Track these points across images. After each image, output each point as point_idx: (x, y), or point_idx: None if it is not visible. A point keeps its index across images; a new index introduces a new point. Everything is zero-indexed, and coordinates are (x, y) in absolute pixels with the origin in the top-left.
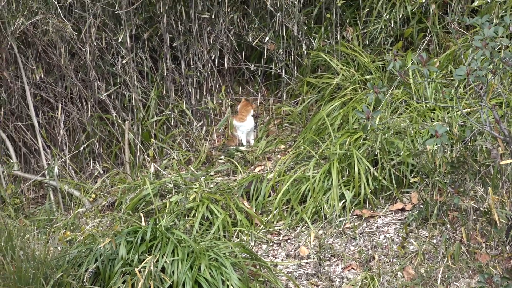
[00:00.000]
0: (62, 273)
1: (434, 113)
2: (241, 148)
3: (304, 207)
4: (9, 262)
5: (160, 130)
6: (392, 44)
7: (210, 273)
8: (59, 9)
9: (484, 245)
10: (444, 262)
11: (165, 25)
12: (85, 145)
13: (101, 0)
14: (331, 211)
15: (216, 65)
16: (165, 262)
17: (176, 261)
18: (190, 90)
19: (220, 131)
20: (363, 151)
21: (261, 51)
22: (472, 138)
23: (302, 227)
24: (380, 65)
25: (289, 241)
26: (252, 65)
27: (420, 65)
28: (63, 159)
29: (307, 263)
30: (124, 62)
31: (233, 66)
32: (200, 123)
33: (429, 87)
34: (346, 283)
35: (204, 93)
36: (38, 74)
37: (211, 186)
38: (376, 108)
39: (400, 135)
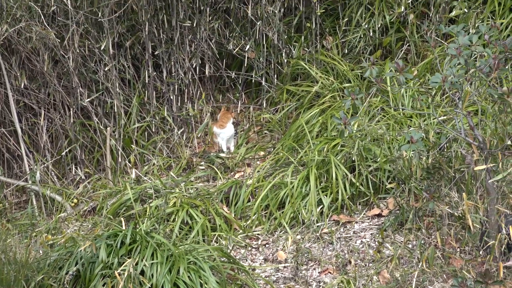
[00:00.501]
0: (43, 276)
1: (411, 120)
2: (221, 154)
3: (283, 212)
4: None
5: (142, 136)
6: (371, 53)
7: (188, 276)
8: (42, 17)
9: (458, 249)
10: (419, 266)
11: (147, 33)
12: (67, 150)
13: (84, 8)
14: (309, 216)
15: (197, 73)
16: (145, 265)
17: (156, 264)
18: (172, 97)
19: (200, 137)
20: (340, 157)
21: (241, 60)
22: (448, 144)
23: (280, 232)
24: (359, 73)
25: (267, 245)
26: (233, 73)
27: (396, 72)
28: (45, 165)
29: (284, 267)
30: (106, 69)
31: (214, 74)
32: (181, 130)
33: (406, 95)
34: (322, 287)
35: (186, 100)
36: (21, 81)
37: (191, 191)
38: (354, 115)
39: (377, 142)
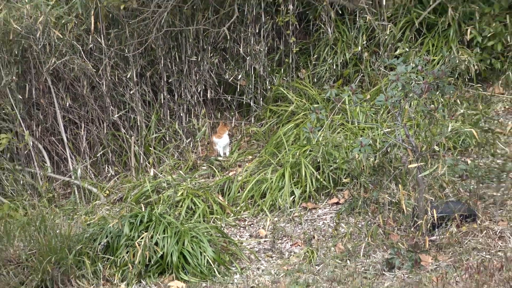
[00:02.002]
0: (81, 246)
1: (363, 131)
2: (219, 158)
3: (264, 200)
4: (43, 237)
5: (158, 144)
6: (334, 82)
7: (191, 247)
8: (82, 52)
9: (395, 228)
10: (366, 240)
11: (162, 66)
12: (100, 153)
13: (114, 46)
14: (284, 203)
15: (201, 96)
16: (158, 238)
17: (166, 238)
18: (181, 114)
19: (203, 145)
20: (309, 159)
21: (235, 86)
22: (389, 149)
23: (262, 215)
24: (324, 97)
25: (251, 225)
26: (229, 97)
27: (350, 93)
28: (84, 165)
29: (264, 241)
30: (131, 92)
31: (214, 97)
32: (188, 139)
33: (360, 113)
34: (293, 255)
35: (192, 117)
36: (66, 101)
37: (195, 185)
38: (320, 127)
39: (337, 148)
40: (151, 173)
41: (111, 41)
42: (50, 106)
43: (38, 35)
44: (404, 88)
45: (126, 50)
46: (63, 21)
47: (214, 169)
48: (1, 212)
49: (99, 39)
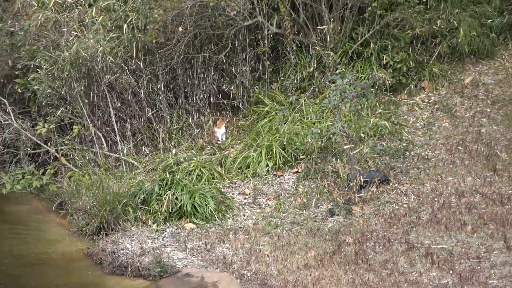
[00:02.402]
0: (126, 200)
1: (314, 124)
2: (218, 142)
3: (248, 169)
4: (101, 194)
5: (178, 132)
6: (295, 91)
7: (200, 200)
8: (127, 71)
9: (335, 188)
10: (316, 196)
11: (181, 80)
12: (139, 139)
13: (149, 67)
14: (261, 172)
15: (207, 100)
16: (177, 194)
17: (183, 194)
18: (193, 113)
19: (208, 132)
20: (278, 143)
21: (229, 94)
22: (331, 136)
23: (247, 180)
24: (288, 101)
25: (240, 186)
26: (225, 101)
27: (305, 99)
28: (128, 146)
29: (248, 197)
30: (160, 98)
31: (215, 101)
32: (198, 130)
33: (312, 112)
34: (267, 206)
35: (200, 115)
36: (117, 104)
37: (202, 160)
38: (286, 122)
39: (296, 135)
40: (173, 152)
41: (147, 64)
42: (106, 107)
43: (98, 60)
44: (341, 95)
45: (157, 70)
46: (115, 50)
47: (215, 149)
48: (73, 177)
49: (139, 63)
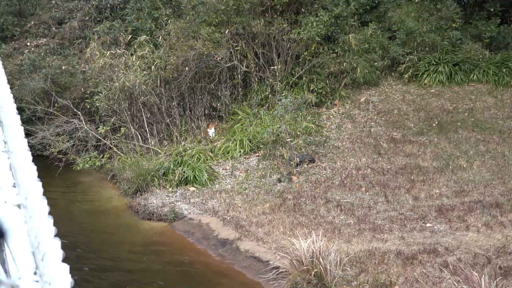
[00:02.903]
0: (153, 172)
1: (269, 126)
2: (210, 138)
3: (228, 154)
4: (137, 169)
5: (185, 132)
6: (257, 106)
7: (198, 173)
8: (154, 95)
9: (282, 165)
10: (269, 170)
11: (187, 100)
12: (161, 135)
13: (167, 92)
14: (237, 155)
15: (204, 112)
16: (185, 169)
17: (188, 169)
18: (195, 120)
19: (204, 132)
20: (247, 137)
21: (218, 108)
22: (279, 133)
23: (227, 160)
24: (253, 113)
25: (223, 165)
26: (214, 113)
27: (263, 111)
28: (155, 140)
29: (228, 171)
30: (174, 111)
31: (209, 113)
32: (197, 130)
33: (268, 118)
34: (239, 177)
35: (199, 121)
36: (147, 114)
37: (200, 148)
38: (251, 125)
39: (258, 133)
40: (182, 144)
41: (166, 90)
42: (141, 116)
43: (136, 87)
44: (285, 108)
45: (172, 93)
46: (146, 82)
47: (208, 142)
48: (121, 159)
49: (161, 89)
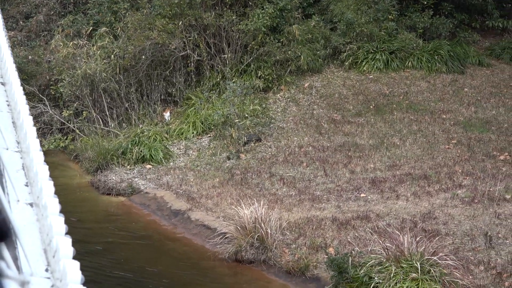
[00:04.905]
0: (113, 151)
1: (219, 108)
2: (165, 121)
3: (182, 135)
4: (98, 149)
5: (143, 116)
6: (209, 92)
7: (154, 152)
8: (114, 81)
9: (231, 144)
10: (220, 149)
11: (144, 86)
12: (120, 119)
13: (126, 79)
14: (191, 136)
15: (160, 98)
16: (142, 149)
17: (145, 148)
18: (152, 105)
19: (161, 115)
20: (199, 120)
21: (173, 94)
22: (228, 115)
23: (181, 141)
24: (205, 97)
25: (177, 144)
26: (170, 98)
27: (214, 95)
28: (114, 123)
29: (182, 150)
30: (132, 96)
31: (164, 98)
32: (154, 114)
33: (218, 102)
34: (192, 156)
35: (156, 105)
36: (108, 99)
37: (157, 130)
38: (204, 109)
39: (210, 115)
40: (140, 126)
41: (125, 77)
42: (102, 101)
43: (97, 75)
44: (233, 93)
45: (131, 80)
46: (107, 69)
47: (163, 124)
48: (83, 141)
49: (120, 76)
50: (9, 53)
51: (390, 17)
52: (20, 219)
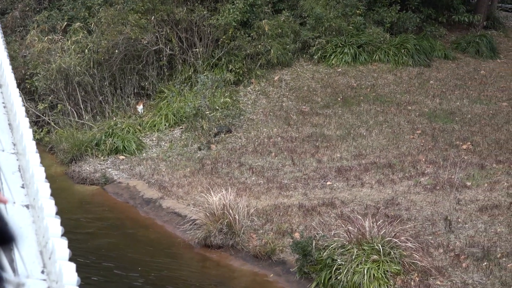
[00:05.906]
0: (87, 143)
1: (191, 101)
2: (139, 113)
3: (155, 127)
4: (73, 141)
5: (117, 109)
6: (181, 85)
7: (127, 143)
8: (88, 74)
9: (202, 135)
10: (191, 140)
11: (118, 80)
12: (94, 112)
13: (100, 73)
14: (163, 128)
15: (134, 91)
16: (115, 140)
17: (119, 140)
18: (125, 98)
19: (135, 108)
20: (171, 112)
21: (146, 87)
22: (199, 108)
23: (154, 133)
24: (178, 90)
25: (150, 136)
26: (143, 91)
27: (186, 89)
28: (89, 116)
29: (154, 141)
30: (106, 90)
31: (138, 91)
32: (128, 107)
33: (190, 95)
34: (164, 146)
35: (130, 98)
36: (82, 93)
37: (130, 122)
38: (176, 102)
39: (182, 108)
40: (114, 119)
41: (99, 71)
42: (76, 95)
43: (71, 69)
44: (204, 85)
45: (104, 74)
46: (81, 63)
47: (137, 117)
48: (58, 133)
49: (94, 70)
50: (5, 55)
51: (358, 12)
52: (16, 221)
